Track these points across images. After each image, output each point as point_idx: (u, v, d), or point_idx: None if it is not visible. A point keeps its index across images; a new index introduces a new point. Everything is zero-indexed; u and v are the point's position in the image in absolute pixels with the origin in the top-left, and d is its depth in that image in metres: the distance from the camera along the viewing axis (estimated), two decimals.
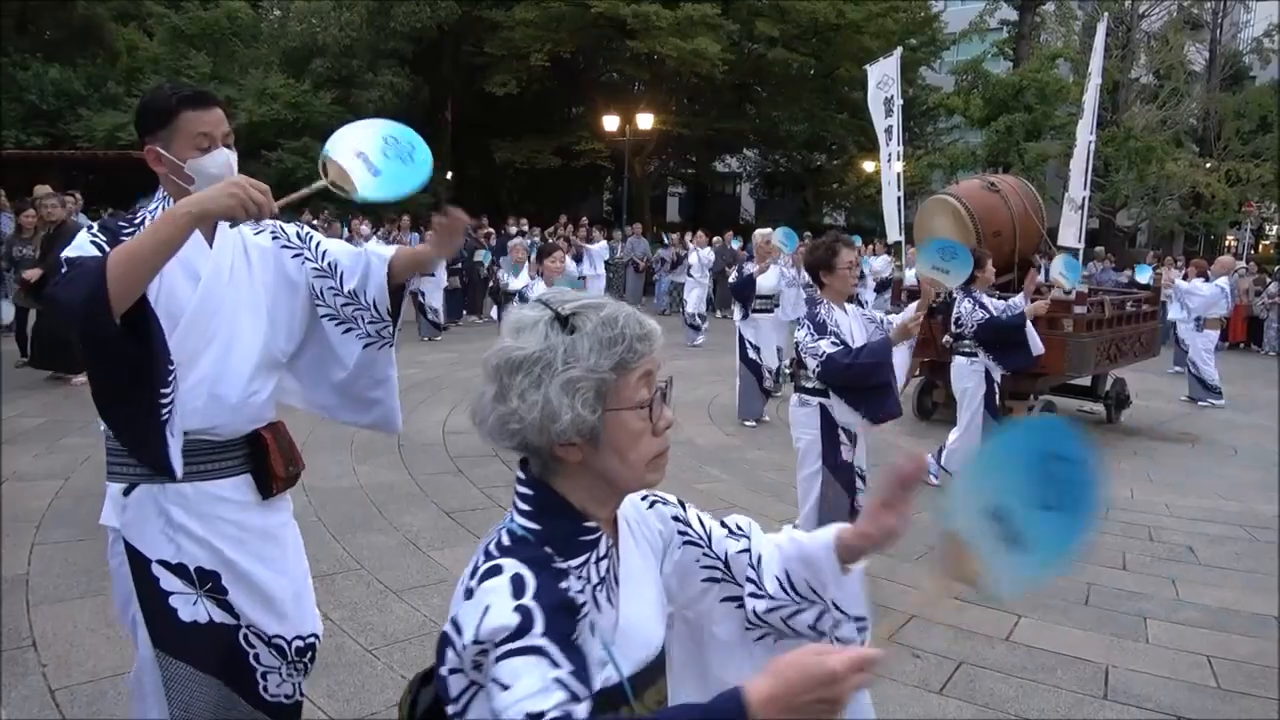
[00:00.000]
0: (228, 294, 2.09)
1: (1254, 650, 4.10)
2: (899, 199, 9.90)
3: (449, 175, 26.53)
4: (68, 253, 1.87)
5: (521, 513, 1.21)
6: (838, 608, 1.38)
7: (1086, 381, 9.16)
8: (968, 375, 6.41)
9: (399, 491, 5.79)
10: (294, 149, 22.72)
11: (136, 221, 2.02)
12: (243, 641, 2.16)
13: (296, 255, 2.24)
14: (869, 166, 25.85)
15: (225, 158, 2.06)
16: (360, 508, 5.46)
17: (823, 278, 4.22)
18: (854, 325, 4.27)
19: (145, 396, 1.89)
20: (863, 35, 24.59)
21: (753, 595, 1.42)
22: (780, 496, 6.19)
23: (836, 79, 26.47)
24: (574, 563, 1.18)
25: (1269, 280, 17.64)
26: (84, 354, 1.84)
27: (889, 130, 10.00)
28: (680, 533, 1.44)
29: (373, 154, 2.15)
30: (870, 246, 17.38)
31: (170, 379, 1.91)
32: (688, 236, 18.04)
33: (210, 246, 2.10)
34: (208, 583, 2.10)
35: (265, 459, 2.15)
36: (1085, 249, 9.74)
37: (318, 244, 2.29)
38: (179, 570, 2.08)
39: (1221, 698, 3.66)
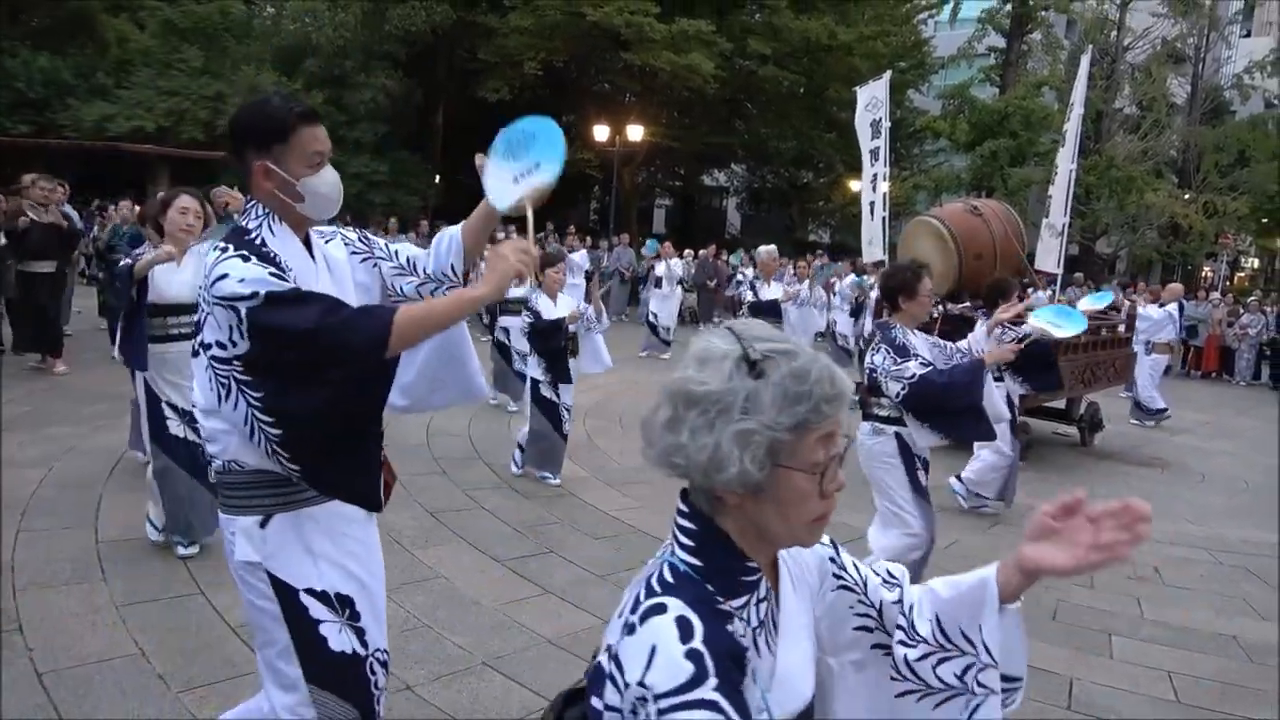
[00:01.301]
0: None
1: (1214, 668, 4.23)
2: (884, 219, 10.06)
3: (438, 179, 26.56)
4: (248, 284, 1.86)
5: (683, 546, 1.16)
6: (987, 651, 1.26)
7: (1061, 404, 9.33)
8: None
9: None
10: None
11: (259, 242, 2.01)
12: (368, 670, 2.15)
13: (366, 259, 2.25)
14: (855, 186, 26.10)
15: (334, 176, 2.07)
16: None
17: (901, 302, 4.15)
18: (927, 351, 4.20)
19: (375, 430, 2.04)
20: (853, 57, 24.88)
21: (903, 643, 1.33)
22: None
23: (826, 99, 26.74)
24: (736, 603, 1.13)
25: (1242, 311, 17.97)
26: (335, 390, 1.87)
27: (875, 151, 10.16)
28: (835, 575, 1.36)
29: (511, 167, 2.23)
30: (851, 264, 17.58)
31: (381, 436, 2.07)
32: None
33: (313, 260, 2.12)
34: (346, 609, 2.10)
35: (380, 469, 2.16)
36: (1064, 275, 9.92)
37: (386, 244, 2.33)
38: (323, 597, 2.06)
39: (1181, 712, 3.78)
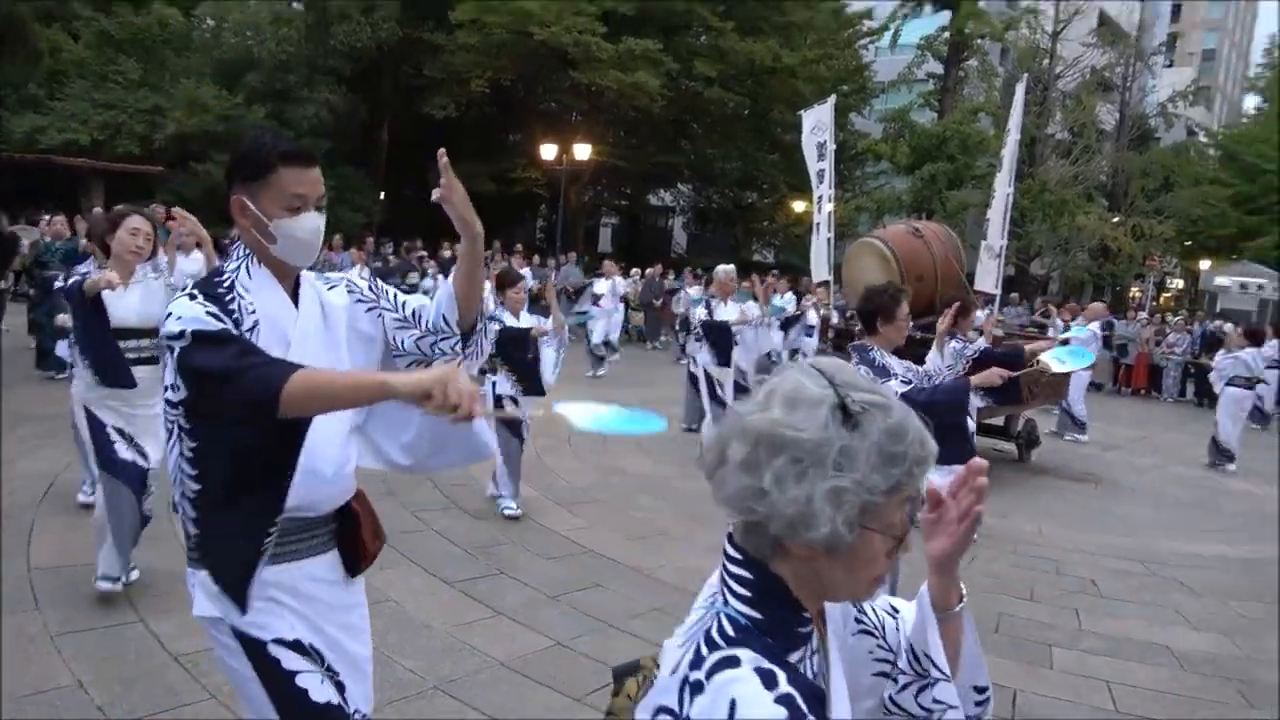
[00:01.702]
0: (316, 357, 1.92)
1: (1149, 677, 4.37)
2: (829, 240, 10.25)
3: (382, 196, 26.31)
4: (183, 322, 1.76)
5: (739, 597, 1.09)
6: (934, 665, 1.22)
7: (1000, 421, 9.57)
8: None
9: None
10: (223, 162, 22.19)
11: (226, 284, 1.89)
12: None
13: (371, 309, 2.09)
14: (799, 206, 26.56)
15: (315, 223, 1.94)
16: None
17: (879, 325, 4.16)
18: (904, 373, 4.19)
19: (270, 515, 1.80)
20: (796, 80, 25.34)
21: (891, 678, 1.28)
22: (709, 525, 6.31)
23: (770, 120, 27.17)
24: (794, 656, 1.08)
25: (1168, 330, 18.64)
26: (240, 449, 1.76)
27: (821, 174, 10.36)
28: (856, 619, 1.29)
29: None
30: (792, 283, 17.85)
31: (278, 519, 1.81)
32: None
33: (296, 306, 1.97)
34: (323, 660, 1.96)
35: (356, 533, 2.02)
36: (1001, 295, 10.21)
37: (393, 294, 2.14)
38: (296, 646, 1.92)
39: None
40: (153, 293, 4.31)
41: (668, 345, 18.07)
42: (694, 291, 16.19)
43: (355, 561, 2.04)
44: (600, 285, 15.58)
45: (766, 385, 1.09)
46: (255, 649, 1.89)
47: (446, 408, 1.62)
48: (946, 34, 27.44)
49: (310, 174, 1.92)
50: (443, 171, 1.97)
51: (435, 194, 1.95)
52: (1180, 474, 9.96)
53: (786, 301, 14.18)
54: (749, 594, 1.08)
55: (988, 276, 9.77)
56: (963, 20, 26.53)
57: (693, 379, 9.05)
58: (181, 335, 1.75)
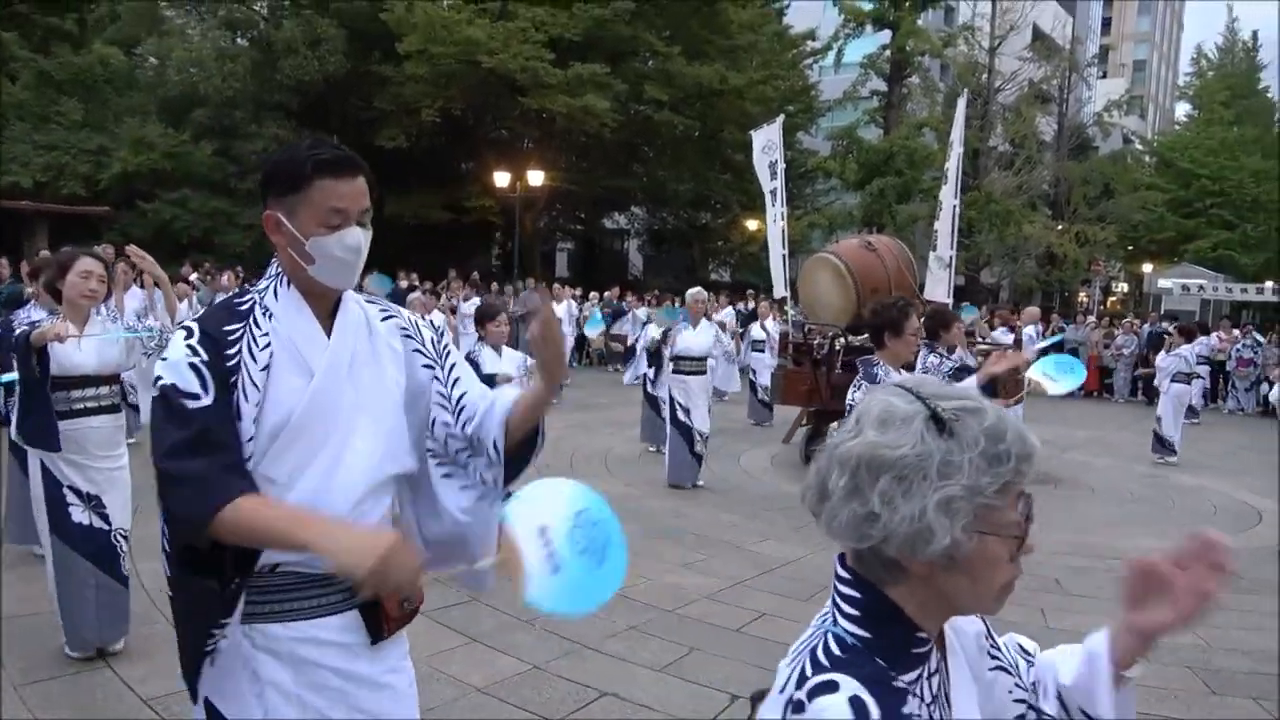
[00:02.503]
0: (345, 393, 1.72)
1: None
2: (783, 256, 10.40)
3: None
4: (165, 368, 1.61)
5: (848, 617, 1.08)
6: None
7: None
8: None
9: None
10: (171, 200, 22.07)
11: (246, 306, 1.71)
12: None
13: (429, 366, 1.85)
14: (752, 224, 26.87)
15: (357, 240, 1.70)
16: None
17: (886, 340, 4.14)
18: None
19: (209, 606, 1.61)
20: (744, 101, 25.73)
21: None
22: (679, 542, 6.35)
23: (720, 141, 27.52)
24: (908, 677, 1.06)
25: (1116, 333, 19.11)
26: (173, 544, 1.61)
27: (774, 192, 10.52)
28: (991, 654, 1.24)
29: (558, 537, 1.59)
30: (752, 300, 18.05)
31: (224, 622, 1.61)
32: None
33: (329, 336, 1.74)
34: None
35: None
36: (953, 304, 10.42)
37: (451, 366, 1.88)
38: None
39: None
40: (109, 339, 4.06)
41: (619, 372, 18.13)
42: (641, 313, 16.28)
43: (378, 625, 1.74)
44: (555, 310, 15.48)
45: (855, 412, 1.09)
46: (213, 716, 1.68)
47: (382, 591, 1.47)
48: (888, 52, 28.06)
49: (352, 185, 1.69)
50: (539, 307, 1.77)
51: (532, 329, 1.73)
52: (1135, 471, 10.21)
53: (726, 316, 14.30)
54: (858, 614, 1.07)
55: (938, 286, 9.98)
56: (903, 39, 27.18)
57: (650, 400, 9.08)
58: (159, 381, 1.61)
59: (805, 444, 9.47)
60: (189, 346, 1.63)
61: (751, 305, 18.75)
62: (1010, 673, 1.25)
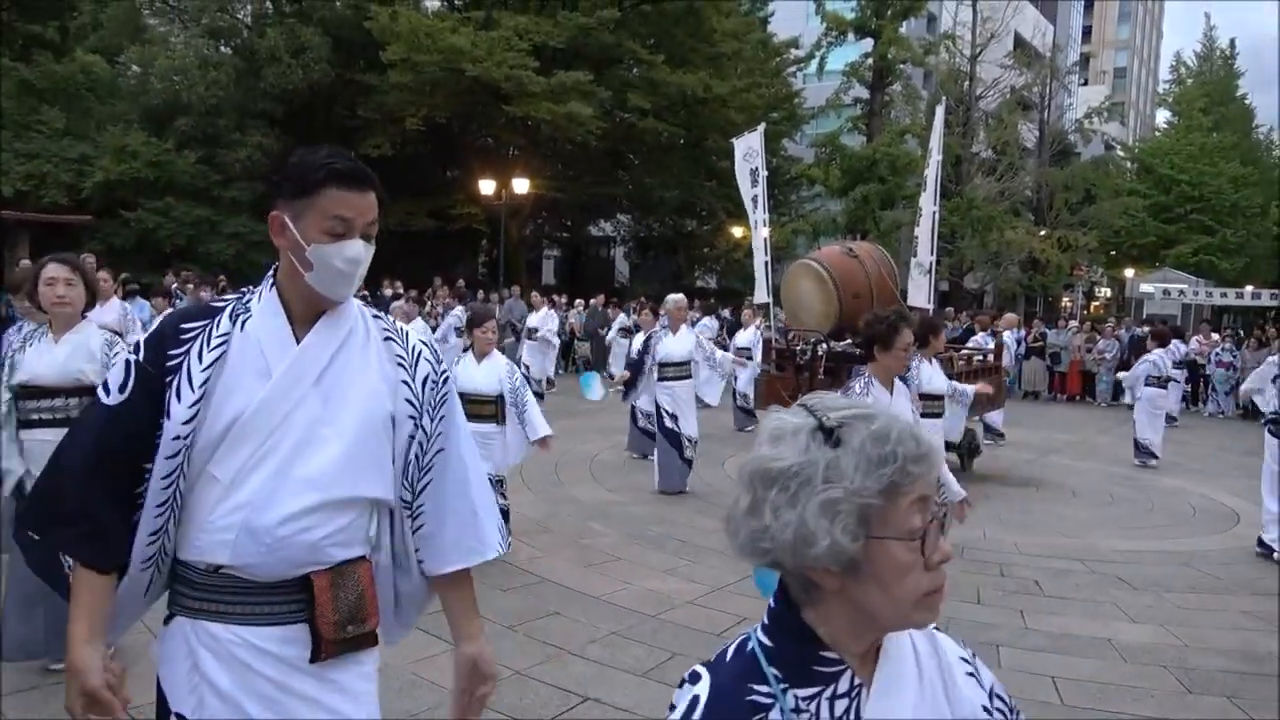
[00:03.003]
0: (306, 403, 1.68)
1: (1093, 670, 4.53)
2: (766, 263, 10.46)
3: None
4: (111, 373, 1.69)
5: (763, 625, 1.12)
6: None
7: None
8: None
9: None
10: (155, 209, 21.97)
11: (221, 304, 1.75)
12: None
13: (410, 403, 1.80)
14: (737, 232, 26.98)
15: (356, 252, 1.69)
16: None
17: (876, 353, 4.14)
18: (898, 406, 4.07)
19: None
20: (728, 109, 25.84)
21: None
22: (661, 547, 6.38)
23: (705, 149, 27.63)
24: (803, 693, 1.06)
25: (1099, 338, 19.26)
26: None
27: (755, 199, 10.58)
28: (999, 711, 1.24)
29: None
30: (741, 307, 18.11)
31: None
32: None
33: (298, 341, 1.71)
34: None
35: (313, 612, 1.68)
36: (937, 309, 10.50)
37: (441, 419, 1.84)
38: None
39: (1065, 713, 4.03)
40: (80, 347, 3.86)
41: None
42: (629, 320, 16.28)
43: (315, 647, 1.69)
44: (532, 319, 15.35)
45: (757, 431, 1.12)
46: (163, 712, 1.70)
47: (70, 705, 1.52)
48: (870, 60, 28.26)
49: (361, 198, 1.69)
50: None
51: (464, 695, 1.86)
52: (1116, 474, 10.30)
53: (704, 328, 14.29)
54: (769, 624, 1.11)
55: (920, 292, 10.05)
56: (884, 47, 27.39)
57: (634, 409, 9.11)
58: (104, 385, 1.69)
59: None
60: (137, 344, 1.68)
61: (726, 313, 18.88)
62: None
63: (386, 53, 22.85)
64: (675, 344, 8.13)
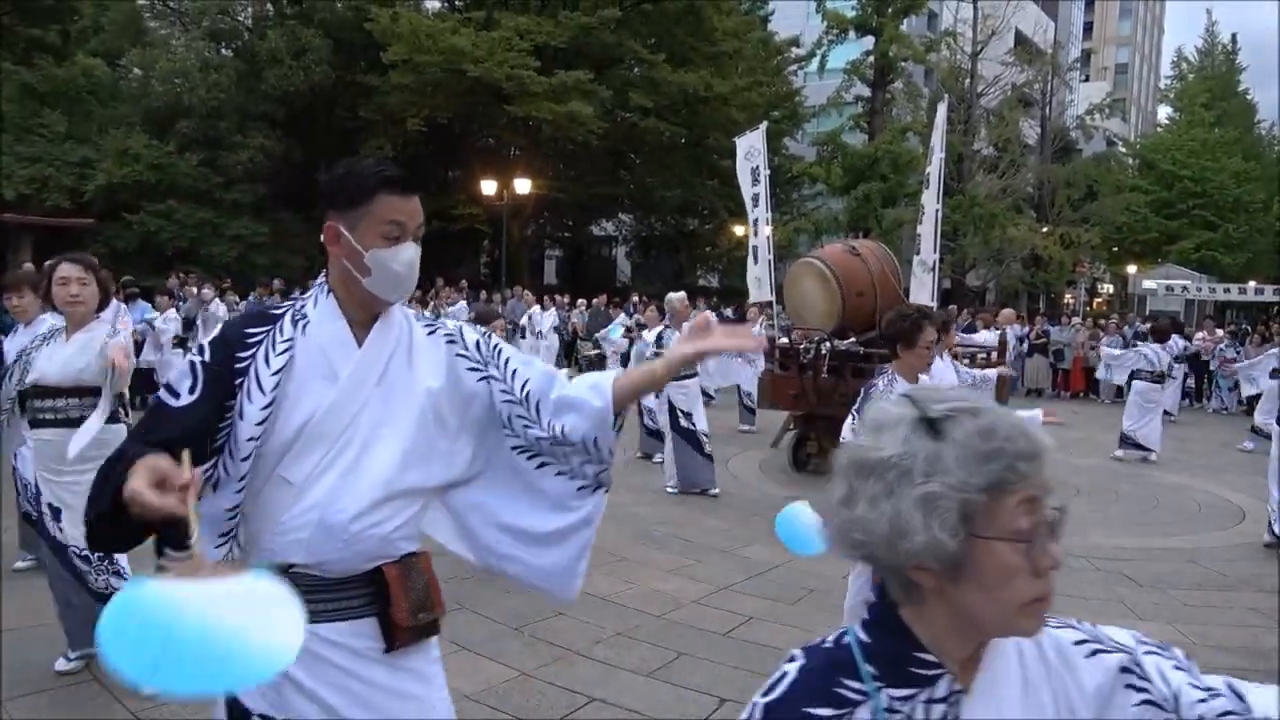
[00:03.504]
0: (371, 404, 1.75)
1: None
2: (769, 262, 10.45)
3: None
4: (172, 375, 1.70)
5: (862, 620, 1.10)
6: None
7: None
8: None
9: None
10: (157, 211, 22.00)
11: (281, 310, 1.80)
12: None
13: (475, 370, 1.87)
14: (739, 230, 26.99)
15: (411, 255, 1.76)
16: None
17: (900, 351, 4.18)
18: None
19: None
20: (730, 107, 25.84)
21: None
22: (665, 548, 6.38)
23: (706, 148, 27.63)
24: (898, 693, 1.03)
25: (1102, 334, 19.24)
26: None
27: (755, 198, 10.58)
28: (1136, 687, 1.09)
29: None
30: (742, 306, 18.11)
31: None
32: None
33: (359, 344, 1.78)
34: None
35: (387, 603, 1.75)
36: (939, 307, 10.48)
37: (506, 360, 1.89)
38: None
39: None
40: (86, 347, 3.84)
41: None
42: (631, 320, 16.26)
43: (389, 637, 1.76)
44: (543, 320, 15.40)
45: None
46: (238, 717, 1.71)
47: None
48: (871, 58, 28.24)
49: (409, 203, 1.77)
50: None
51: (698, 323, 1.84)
52: (1120, 471, 10.28)
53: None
54: (868, 619, 1.09)
55: (923, 290, 10.03)
56: (885, 44, 27.36)
57: (640, 407, 9.11)
58: (165, 387, 1.70)
59: (792, 448, 9.51)
60: (201, 346, 1.72)
61: (729, 311, 18.86)
62: (1162, 707, 1.08)
63: (387, 54, 22.88)
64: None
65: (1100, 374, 11.38)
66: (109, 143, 21.99)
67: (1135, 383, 10.93)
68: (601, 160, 27.44)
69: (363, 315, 1.79)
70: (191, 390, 1.66)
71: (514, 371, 1.87)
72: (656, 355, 8.24)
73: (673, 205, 29.70)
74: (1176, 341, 11.59)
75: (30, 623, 4.25)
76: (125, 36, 24.73)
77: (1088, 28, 61.79)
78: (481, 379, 1.86)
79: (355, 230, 1.73)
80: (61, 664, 3.85)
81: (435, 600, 1.83)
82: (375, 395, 1.76)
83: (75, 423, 3.75)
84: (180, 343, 10.23)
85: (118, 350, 3.72)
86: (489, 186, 22.77)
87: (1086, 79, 52.40)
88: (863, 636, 1.07)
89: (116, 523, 1.51)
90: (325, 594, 1.71)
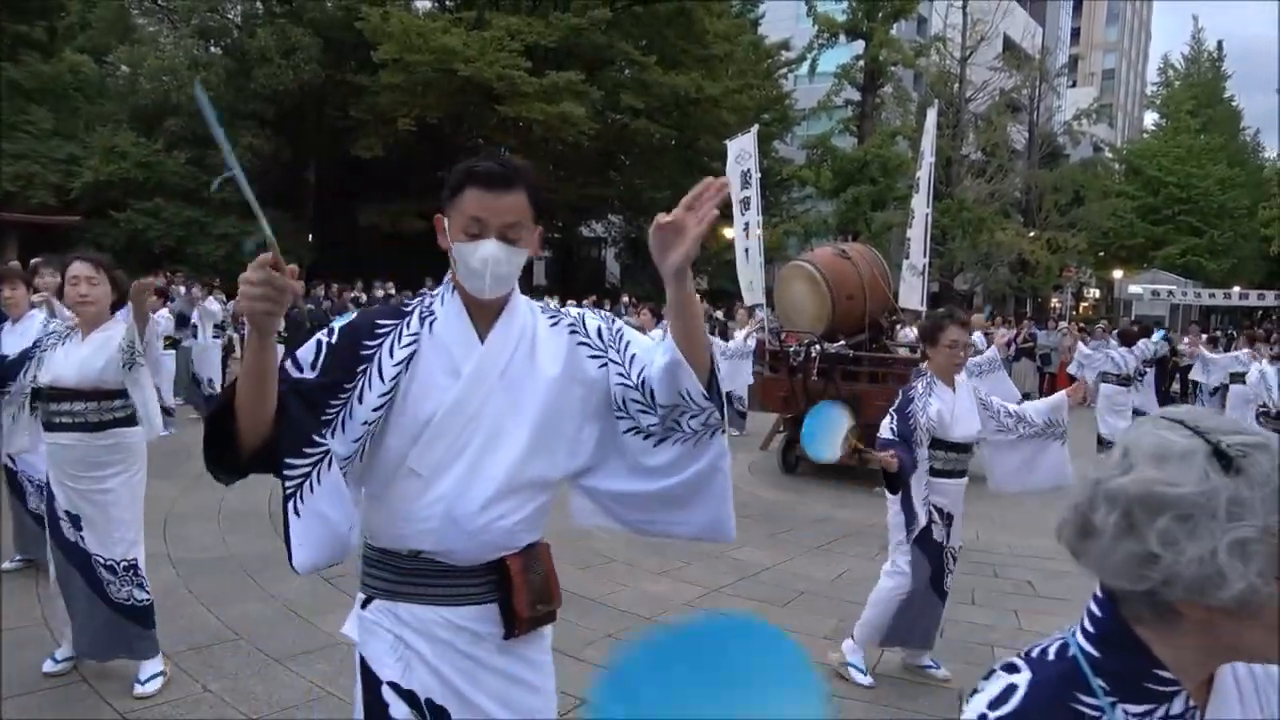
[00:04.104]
0: (493, 397, 1.78)
1: None
2: (760, 264, 10.47)
3: (310, 238, 26.00)
4: (301, 350, 1.74)
5: (1085, 633, 1.05)
6: None
7: None
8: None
9: (273, 559, 5.65)
10: (144, 210, 21.88)
11: (411, 306, 1.84)
12: None
13: (596, 357, 1.86)
14: (729, 233, 27.03)
15: (488, 252, 1.73)
16: (234, 577, 5.31)
17: (927, 350, 4.24)
18: (958, 405, 4.14)
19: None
20: (720, 110, 25.90)
21: None
22: (657, 551, 6.38)
23: (697, 150, 27.67)
24: (1133, 709, 1.01)
25: (1088, 339, 19.35)
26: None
27: (746, 200, 10.59)
28: None
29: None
30: (730, 308, 18.14)
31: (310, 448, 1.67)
32: None
33: (481, 341, 1.80)
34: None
35: (509, 593, 1.80)
36: (928, 311, 10.53)
37: (626, 344, 1.87)
38: (410, 698, 1.79)
39: None
40: (102, 347, 3.68)
41: None
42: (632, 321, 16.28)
43: (509, 624, 1.82)
44: None
45: (1119, 445, 1.04)
46: (370, 684, 1.81)
47: (257, 297, 1.47)
48: (861, 62, 28.34)
49: (499, 199, 1.74)
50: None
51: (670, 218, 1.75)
52: None
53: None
54: (1095, 632, 1.05)
55: (912, 294, 10.07)
56: (875, 49, 27.45)
57: None
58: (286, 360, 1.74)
59: (783, 451, 9.54)
60: (330, 328, 1.78)
61: (719, 314, 18.88)
62: None
63: (378, 53, 22.83)
64: None
65: (1072, 369, 11.49)
66: (96, 140, 21.87)
67: (1102, 386, 11.06)
68: (592, 161, 27.43)
69: (484, 310, 1.81)
70: (314, 366, 1.71)
71: (633, 357, 1.85)
72: None
73: (663, 207, 28.40)
74: (1146, 345, 11.71)
75: (19, 623, 4.23)
76: (113, 33, 24.59)
77: (1075, 33, 62.19)
78: (601, 365, 1.86)
79: (450, 224, 1.78)
80: (49, 665, 3.84)
81: (553, 592, 1.89)
82: (498, 389, 1.78)
83: (94, 427, 3.66)
84: (173, 343, 10.12)
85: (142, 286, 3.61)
86: None
87: (1074, 84, 52.72)
88: (1090, 650, 1.03)
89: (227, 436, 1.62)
90: (452, 580, 1.79)
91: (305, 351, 1.73)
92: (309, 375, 1.71)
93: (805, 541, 6.93)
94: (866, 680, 4.25)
